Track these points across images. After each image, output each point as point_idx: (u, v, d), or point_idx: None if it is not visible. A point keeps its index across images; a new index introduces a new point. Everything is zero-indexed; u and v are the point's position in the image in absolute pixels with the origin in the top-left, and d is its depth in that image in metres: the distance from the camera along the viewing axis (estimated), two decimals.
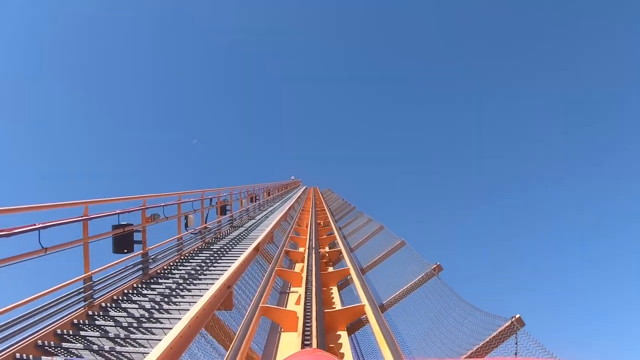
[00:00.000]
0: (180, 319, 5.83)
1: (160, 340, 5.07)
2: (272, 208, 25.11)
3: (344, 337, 6.30)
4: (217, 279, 8.23)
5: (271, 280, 8.35)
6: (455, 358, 5.33)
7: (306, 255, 11.22)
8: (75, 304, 6.14)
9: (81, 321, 5.99)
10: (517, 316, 5.56)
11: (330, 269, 11.13)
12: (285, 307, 7.88)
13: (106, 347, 5.25)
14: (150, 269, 8.75)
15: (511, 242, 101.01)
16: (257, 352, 7.32)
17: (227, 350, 5.07)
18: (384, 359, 4.97)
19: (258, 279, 10.69)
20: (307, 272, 9.15)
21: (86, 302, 6.39)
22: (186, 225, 11.42)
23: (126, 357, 5.15)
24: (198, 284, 8.34)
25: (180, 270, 9.29)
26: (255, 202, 24.04)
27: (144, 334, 5.83)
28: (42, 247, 5.42)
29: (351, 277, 9.32)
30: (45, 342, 5.26)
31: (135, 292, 7.63)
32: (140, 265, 8.37)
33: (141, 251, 8.40)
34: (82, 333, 5.66)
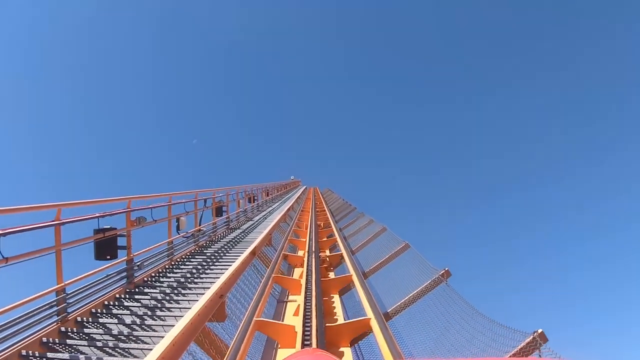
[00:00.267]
0: (163, 337, 5.16)
1: None
2: (270, 209, 24.47)
3: (347, 355, 5.66)
4: (209, 287, 7.55)
5: (267, 289, 7.68)
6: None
7: (306, 260, 10.62)
8: (45, 320, 5.46)
9: (51, 340, 5.30)
10: (540, 331, 4.94)
11: (331, 275, 10.51)
12: (283, 319, 7.23)
13: None
14: (136, 276, 8.06)
15: (511, 242, 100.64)
16: None
17: None
18: None
19: (254, 286, 10.01)
20: (307, 278, 8.55)
21: (59, 317, 5.70)
22: (178, 228, 10.75)
23: None
24: (187, 293, 7.65)
25: (170, 277, 8.60)
26: (254, 202, 23.44)
27: (123, 355, 5.15)
28: (2, 256, 4.75)
29: (353, 283, 8.70)
30: None
31: (117, 303, 6.94)
32: (125, 273, 7.69)
33: (125, 257, 7.73)
34: (49, 355, 4.97)
